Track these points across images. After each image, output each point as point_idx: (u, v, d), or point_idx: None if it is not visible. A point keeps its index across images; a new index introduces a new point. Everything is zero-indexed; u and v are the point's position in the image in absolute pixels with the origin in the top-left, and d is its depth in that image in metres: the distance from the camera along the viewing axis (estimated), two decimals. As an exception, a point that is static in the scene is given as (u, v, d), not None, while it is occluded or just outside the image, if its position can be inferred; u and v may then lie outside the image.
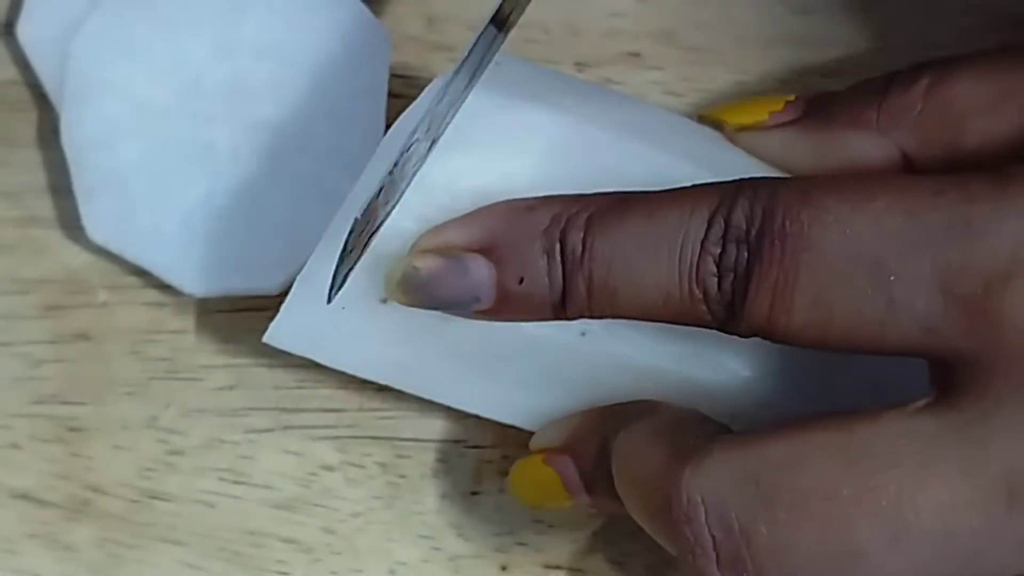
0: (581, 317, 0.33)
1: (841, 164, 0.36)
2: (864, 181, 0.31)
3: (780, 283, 0.31)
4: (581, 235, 0.32)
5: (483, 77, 0.34)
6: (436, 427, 0.40)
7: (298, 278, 0.35)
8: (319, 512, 0.40)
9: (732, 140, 0.37)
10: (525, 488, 0.37)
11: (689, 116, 0.39)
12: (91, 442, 0.40)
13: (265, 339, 0.36)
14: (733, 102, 0.39)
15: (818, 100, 0.37)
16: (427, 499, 0.40)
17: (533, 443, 0.37)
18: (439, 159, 0.33)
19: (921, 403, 0.31)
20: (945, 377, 0.31)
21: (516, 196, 0.34)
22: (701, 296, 0.32)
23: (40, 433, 0.40)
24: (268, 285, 0.39)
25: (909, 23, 0.41)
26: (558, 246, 0.32)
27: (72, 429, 0.40)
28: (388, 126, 0.39)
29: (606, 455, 0.35)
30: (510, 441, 0.40)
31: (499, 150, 0.34)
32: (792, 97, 0.37)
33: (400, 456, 0.40)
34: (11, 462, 0.40)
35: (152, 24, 0.40)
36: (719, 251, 0.31)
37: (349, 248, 0.32)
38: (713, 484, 0.31)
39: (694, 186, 0.32)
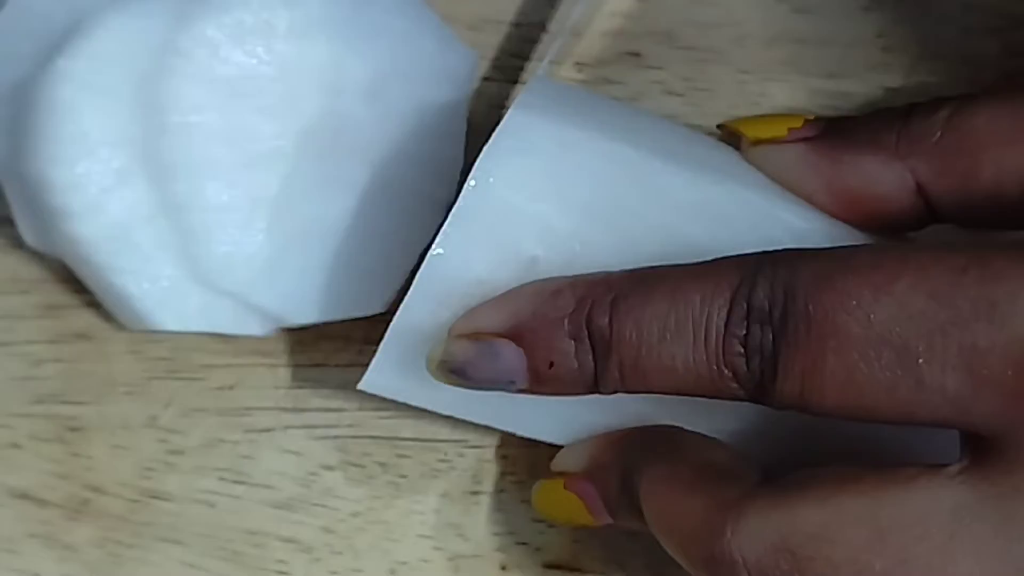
0: (616, 393, 0.33)
1: (854, 186, 0.36)
2: (884, 259, 0.31)
3: (808, 368, 0.31)
4: (607, 319, 0.33)
5: (522, 97, 0.35)
6: (436, 427, 0.40)
7: (391, 326, 0.35)
8: (319, 512, 0.40)
9: (746, 153, 0.37)
10: (549, 508, 0.38)
11: (691, 121, 0.40)
12: (91, 442, 0.40)
13: (360, 386, 0.36)
14: (753, 116, 0.39)
15: (837, 122, 0.37)
16: (427, 499, 0.40)
17: (554, 464, 0.38)
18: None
19: (953, 468, 0.31)
20: (976, 445, 0.31)
21: (559, 218, 0.34)
22: (731, 375, 0.32)
23: (40, 433, 0.40)
24: (371, 309, 0.39)
25: (909, 22, 0.41)
26: (585, 331, 0.33)
27: (72, 429, 0.40)
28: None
29: (629, 485, 0.35)
30: (510, 441, 0.40)
31: (547, 172, 0.35)
32: (812, 116, 0.37)
33: (400, 456, 0.40)
34: (11, 461, 0.40)
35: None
36: (744, 332, 0.32)
37: None
38: (752, 547, 0.32)
39: (713, 262, 0.33)
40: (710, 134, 0.39)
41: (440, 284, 0.34)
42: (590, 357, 0.33)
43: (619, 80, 0.41)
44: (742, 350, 0.32)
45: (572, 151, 0.35)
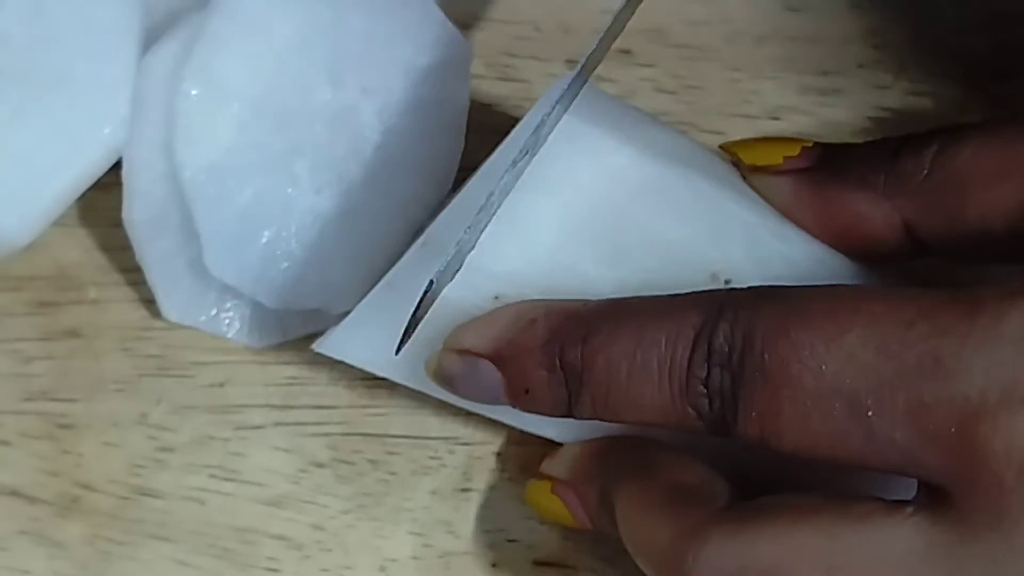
0: (593, 420, 0.34)
1: (842, 223, 0.36)
2: (838, 309, 0.32)
3: (765, 413, 0.32)
4: (578, 353, 0.34)
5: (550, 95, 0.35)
6: (426, 424, 0.40)
7: (366, 299, 0.36)
8: (309, 509, 0.40)
9: (746, 178, 0.38)
10: (539, 508, 0.38)
11: (683, 118, 0.40)
12: (81, 439, 0.40)
13: (319, 348, 0.37)
14: (751, 139, 0.39)
15: (832, 152, 0.37)
16: (417, 496, 0.40)
17: (543, 467, 0.38)
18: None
19: (908, 510, 0.31)
20: (930, 489, 0.31)
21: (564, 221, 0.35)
22: (695, 414, 0.33)
23: (30, 430, 0.40)
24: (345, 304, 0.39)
25: (900, 20, 0.41)
26: (557, 362, 0.34)
27: (62, 426, 0.40)
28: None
29: (607, 499, 0.36)
30: (500, 438, 0.40)
31: (570, 172, 0.35)
32: (809, 142, 0.37)
33: (390, 453, 0.40)
34: (1, 459, 0.40)
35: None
36: (705, 374, 0.32)
37: (425, 302, 0.34)
38: (712, 574, 0.32)
39: (678, 298, 0.33)
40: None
41: (431, 264, 0.34)
42: (563, 388, 0.34)
43: (610, 78, 0.41)
44: (704, 391, 0.32)
45: (593, 155, 0.35)
